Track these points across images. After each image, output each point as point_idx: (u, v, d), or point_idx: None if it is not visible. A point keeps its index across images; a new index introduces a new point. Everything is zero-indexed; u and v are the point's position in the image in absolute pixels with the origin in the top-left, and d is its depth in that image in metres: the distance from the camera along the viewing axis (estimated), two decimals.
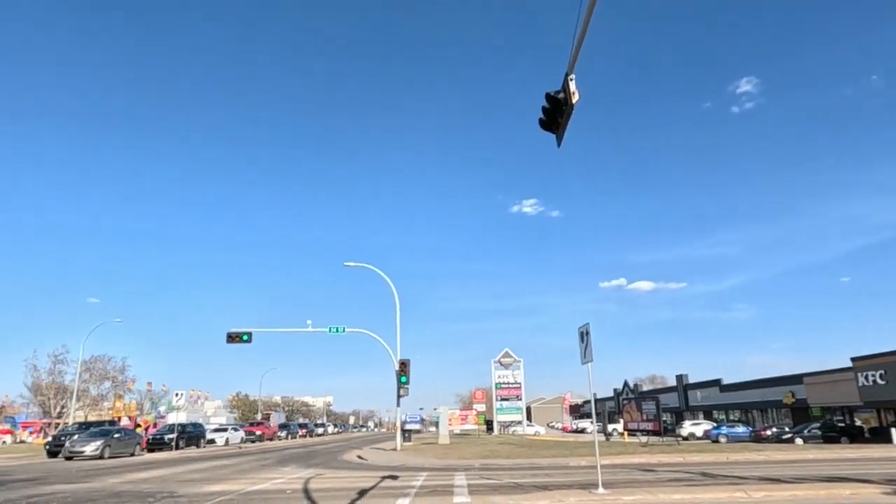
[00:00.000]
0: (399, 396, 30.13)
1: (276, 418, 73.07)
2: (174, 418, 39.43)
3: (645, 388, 78.00)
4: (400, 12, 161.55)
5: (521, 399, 70.37)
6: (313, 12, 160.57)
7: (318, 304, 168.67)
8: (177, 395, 36.65)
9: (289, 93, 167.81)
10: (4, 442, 58.09)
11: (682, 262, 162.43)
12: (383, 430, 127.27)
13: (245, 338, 32.28)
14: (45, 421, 54.91)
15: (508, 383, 70.12)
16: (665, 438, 36.71)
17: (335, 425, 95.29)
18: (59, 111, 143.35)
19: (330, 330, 33.21)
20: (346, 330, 33.58)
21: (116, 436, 28.32)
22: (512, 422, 70.00)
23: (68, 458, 25.39)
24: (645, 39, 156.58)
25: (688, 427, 47.44)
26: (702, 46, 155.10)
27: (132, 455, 28.28)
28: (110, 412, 61.63)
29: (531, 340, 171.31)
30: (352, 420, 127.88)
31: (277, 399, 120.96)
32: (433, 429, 78.08)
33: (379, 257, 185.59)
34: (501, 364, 70.60)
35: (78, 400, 48.53)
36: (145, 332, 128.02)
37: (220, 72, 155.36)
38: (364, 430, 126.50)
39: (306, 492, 12.36)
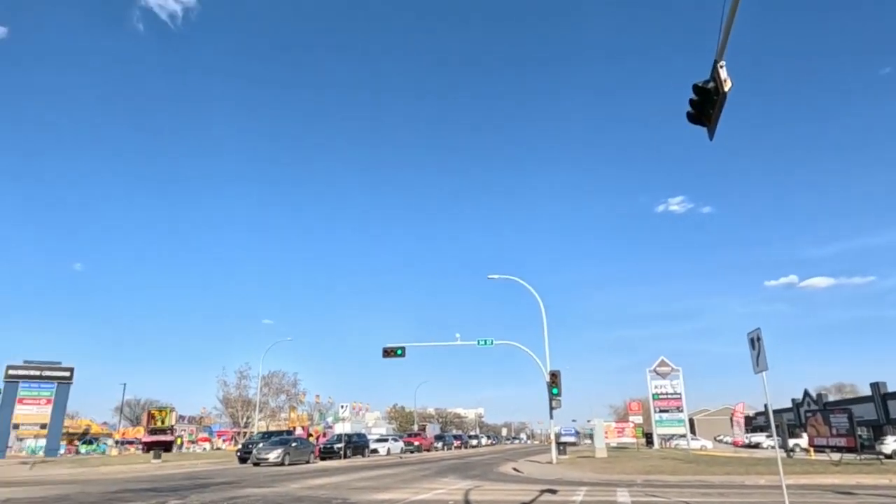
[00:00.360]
0: (551, 408, 29.64)
1: (431, 429, 75.57)
2: (340, 429, 42.36)
3: (831, 398, 68.86)
4: (532, 21, 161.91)
5: (682, 411, 65.50)
6: (460, 31, 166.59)
7: (466, 317, 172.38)
8: (342, 406, 39.43)
9: (424, 112, 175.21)
10: (205, 448, 66.46)
11: (866, 252, 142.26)
12: (536, 442, 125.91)
13: (399, 352, 33.89)
14: (234, 430, 61.92)
15: (667, 394, 65.72)
16: (862, 456, 32.05)
17: (488, 437, 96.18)
18: (225, 149, 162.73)
19: (479, 342, 33.73)
20: (495, 342, 33.88)
21: (294, 445, 31.14)
22: (674, 435, 65.47)
23: (256, 465, 28.37)
24: (792, 21, 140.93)
25: (892, 443, 40.94)
26: (852, 30, 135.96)
27: (307, 462, 30.87)
28: (286, 422, 67.98)
29: (689, 347, 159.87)
30: (504, 432, 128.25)
31: (431, 411, 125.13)
32: (588, 441, 75.67)
33: (522, 268, 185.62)
34: (657, 373, 66.43)
35: (260, 411, 54.07)
36: (312, 348, 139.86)
37: (353, 95, 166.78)
38: (517, 441, 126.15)
39: (467, 503, 12.58)
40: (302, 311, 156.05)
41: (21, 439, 50.78)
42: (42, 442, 49.56)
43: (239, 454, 33.77)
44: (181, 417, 70.55)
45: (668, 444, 64.34)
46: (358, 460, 35.50)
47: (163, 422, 59.97)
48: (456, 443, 65.40)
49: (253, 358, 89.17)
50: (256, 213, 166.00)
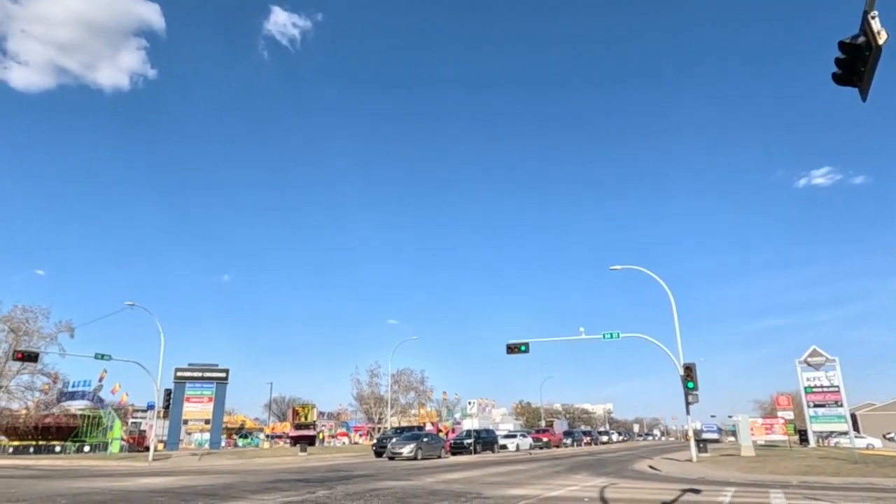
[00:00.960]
0: (688, 403, 27.99)
1: (559, 425, 74.46)
2: (469, 425, 43.01)
3: None
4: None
5: (841, 405, 58.98)
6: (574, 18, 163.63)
7: (589, 311, 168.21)
8: (469, 403, 40.03)
9: (548, 110, 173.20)
10: (343, 443, 70.74)
11: None
12: (671, 438, 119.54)
13: (523, 348, 33.77)
14: (369, 425, 65.26)
15: (821, 387, 59.54)
16: None
17: (619, 433, 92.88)
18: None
19: (604, 336, 32.70)
20: (621, 335, 32.67)
21: (426, 440, 32.18)
22: (832, 432, 59.05)
23: (391, 459, 29.68)
24: None
25: None
26: None
27: (438, 457, 31.73)
28: (416, 419, 70.44)
29: (845, 335, 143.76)
30: (636, 428, 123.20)
31: (558, 406, 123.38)
32: (732, 439, 70.52)
33: (647, 258, 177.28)
34: (809, 364, 60.35)
35: (391, 408, 56.46)
36: (437, 346, 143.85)
37: (473, 93, 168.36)
38: (650, 438, 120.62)
39: (603, 500, 12.25)
40: (425, 310, 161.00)
41: (189, 433, 57.26)
42: (206, 436, 55.53)
43: (374, 448, 35.52)
44: (321, 413, 75.71)
45: (826, 442, 58.19)
46: (487, 456, 35.87)
47: (306, 417, 64.72)
48: (585, 439, 63.91)
49: (381, 357, 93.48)
50: (381, 219, 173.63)
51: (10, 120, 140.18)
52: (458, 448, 37.93)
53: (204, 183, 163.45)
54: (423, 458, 29.79)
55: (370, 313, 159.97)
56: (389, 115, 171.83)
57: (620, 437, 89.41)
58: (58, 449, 44.68)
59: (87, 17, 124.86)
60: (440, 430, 65.22)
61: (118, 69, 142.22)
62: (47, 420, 47.44)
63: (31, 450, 43.80)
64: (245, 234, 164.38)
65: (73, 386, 53.52)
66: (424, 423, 70.82)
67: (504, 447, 43.24)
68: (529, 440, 47.79)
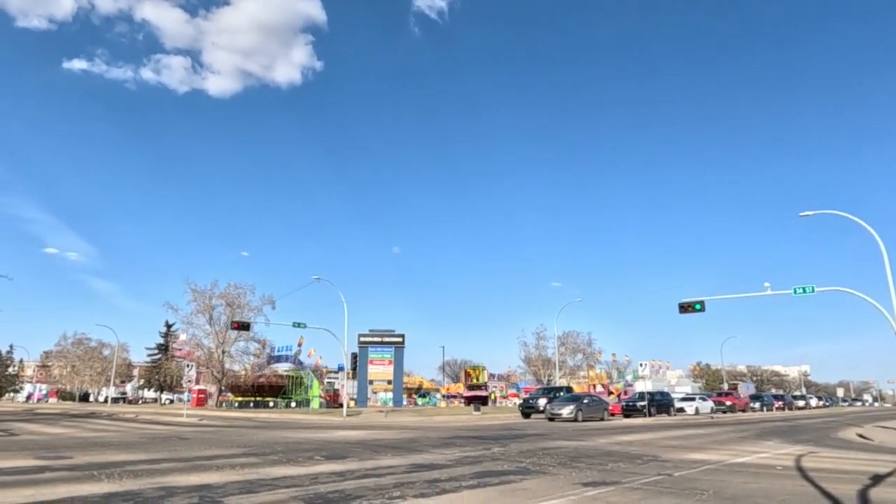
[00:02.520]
0: None
1: (745, 388, 68.87)
2: (641, 387, 41.58)
3: None
4: None
5: None
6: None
7: (774, 264, 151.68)
8: (641, 364, 38.62)
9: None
10: (514, 403, 72.46)
11: None
12: (886, 404, 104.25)
13: (697, 307, 31.50)
14: (538, 387, 66.02)
15: None
16: None
17: (819, 398, 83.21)
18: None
19: (795, 291, 29.24)
20: (816, 290, 28.98)
21: (586, 401, 31.60)
22: None
23: (550, 419, 29.61)
24: None
25: None
26: None
27: (601, 419, 31.06)
28: (585, 381, 69.87)
29: None
30: (840, 392, 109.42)
31: (742, 368, 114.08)
32: None
33: (844, 202, 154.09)
34: None
35: (559, 370, 56.62)
36: (604, 308, 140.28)
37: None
38: (857, 404, 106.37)
39: (800, 470, 11.19)
40: (590, 272, 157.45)
41: (375, 392, 62.99)
42: (389, 395, 60.72)
43: (521, 409, 35.43)
44: (491, 375, 78.37)
45: None
46: (663, 419, 34.50)
47: (477, 379, 67.60)
48: (777, 403, 58.25)
49: (546, 320, 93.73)
50: (541, 182, 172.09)
51: (210, 124, 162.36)
52: (629, 410, 37.02)
53: (372, 161, 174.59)
54: (584, 420, 29.39)
55: (533, 277, 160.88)
56: (543, 76, 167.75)
57: (821, 403, 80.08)
58: (271, 404, 51.99)
59: (263, 20, 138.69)
60: (611, 393, 64.09)
61: (291, 65, 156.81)
62: (261, 380, 55.23)
63: (251, 404, 51.44)
64: (412, 207, 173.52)
65: (278, 351, 61.63)
66: (595, 386, 70.10)
67: (681, 410, 41.21)
68: (710, 404, 44.92)
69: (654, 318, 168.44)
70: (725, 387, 72.36)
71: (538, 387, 54.83)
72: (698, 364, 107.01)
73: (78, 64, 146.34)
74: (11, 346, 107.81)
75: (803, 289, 29.67)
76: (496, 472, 10.08)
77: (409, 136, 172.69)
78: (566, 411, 29.60)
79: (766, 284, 30.42)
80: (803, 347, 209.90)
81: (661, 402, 38.29)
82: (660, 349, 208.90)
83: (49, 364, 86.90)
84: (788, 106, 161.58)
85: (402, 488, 8.25)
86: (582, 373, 70.13)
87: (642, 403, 36.58)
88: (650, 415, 35.64)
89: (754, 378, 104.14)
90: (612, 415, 35.89)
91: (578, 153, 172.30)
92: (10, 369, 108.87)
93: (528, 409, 34.20)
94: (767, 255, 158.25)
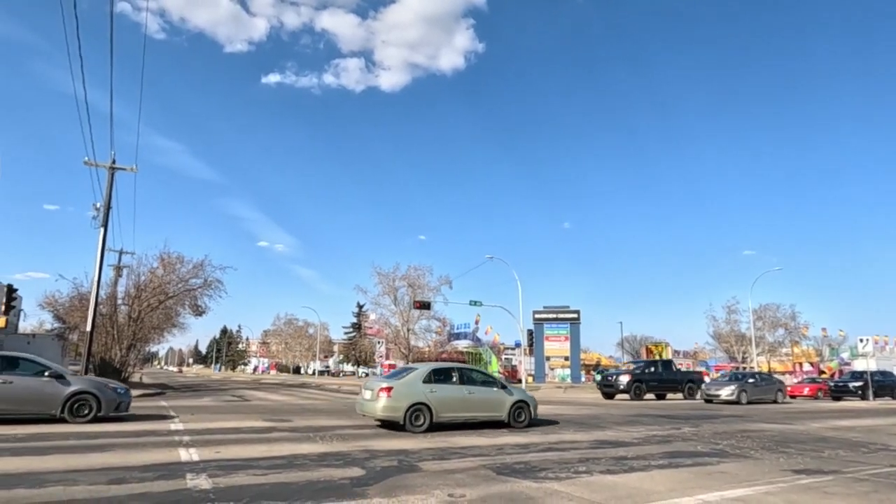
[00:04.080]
0: None
1: None
2: (860, 365, 36.20)
3: None
4: None
5: None
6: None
7: None
8: (861, 340, 33.46)
9: None
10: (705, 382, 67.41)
11: None
12: None
13: None
14: (732, 364, 60.57)
15: None
16: None
17: None
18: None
19: None
20: None
21: (751, 381, 27.67)
22: None
23: (707, 401, 26.42)
24: None
25: None
26: None
27: (774, 402, 27.29)
28: (789, 359, 62.52)
29: None
30: None
31: None
32: None
33: None
34: None
35: (757, 346, 51.41)
36: (810, 278, 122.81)
37: None
38: None
39: None
40: (790, 236, 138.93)
41: (552, 369, 63.03)
42: (567, 371, 60.31)
43: (601, 388, 30.42)
44: (676, 352, 73.72)
45: None
46: (888, 403, 29.64)
47: (660, 356, 63.99)
48: None
49: (739, 291, 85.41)
50: (731, 144, 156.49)
51: (383, 117, 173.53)
52: (839, 391, 32.56)
53: (542, 135, 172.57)
54: (748, 403, 25.71)
55: (721, 245, 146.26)
56: (721, 33, 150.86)
57: None
58: None
59: (427, 12, 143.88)
60: (823, 372, 56.62)
61: (455, 52, 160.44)
62: (443, 356, 58.35)
63: None
64: (583, 180, 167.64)
65: (457, 328, 64.54)
66: (801, 364, 62.50)
67: None
68: None
69: (879, 288, 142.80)
70: None
71: (749, 366, 50.38)
72: None
73: (273, 77, 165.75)
74: (240, 326, 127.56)
75: None
76: (688, 453, 9.51)
77: (579, 106, 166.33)
78: (725, 392, 26.04)
79: None
80: None
81: (882, 383, 32.81)
82: (886, 323, 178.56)
83: (268, 341, 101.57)
84: None
85: (588, 463, 8.17)
86: (785, 349, 62.73)
87: (856, 384, 31.83)
88: (868, 398, 30.80)
89: None
90: (793, 397, 31.86)
91: (779, 102, 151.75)
92: (240, 346, 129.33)
93: (608, 388, 29.25)
94: None
